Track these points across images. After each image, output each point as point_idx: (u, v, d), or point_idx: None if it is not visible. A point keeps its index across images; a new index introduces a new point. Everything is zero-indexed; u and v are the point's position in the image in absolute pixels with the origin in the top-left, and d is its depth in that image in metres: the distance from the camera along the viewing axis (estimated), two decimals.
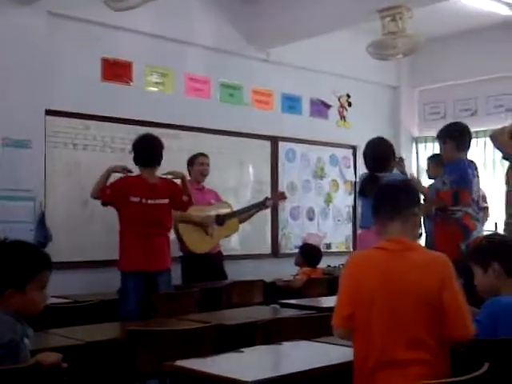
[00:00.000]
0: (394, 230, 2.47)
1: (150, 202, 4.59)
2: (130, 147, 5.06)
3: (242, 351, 2.71)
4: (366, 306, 2.34)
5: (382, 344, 2.31)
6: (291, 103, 7.03)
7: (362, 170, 7.42)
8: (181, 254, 5.50)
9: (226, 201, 5.91)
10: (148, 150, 4.73)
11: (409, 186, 2.68)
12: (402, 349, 2.30)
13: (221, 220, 5.62)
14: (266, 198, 6.03)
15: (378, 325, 2.33)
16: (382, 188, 2.81)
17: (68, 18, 5.31)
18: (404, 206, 2.49)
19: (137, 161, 4.76)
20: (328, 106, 7.39)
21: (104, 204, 4.73)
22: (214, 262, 5.57)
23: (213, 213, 5.60)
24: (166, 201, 4.70)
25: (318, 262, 5.72)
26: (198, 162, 5.66)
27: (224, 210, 5.72)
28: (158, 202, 4.64)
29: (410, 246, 2.46)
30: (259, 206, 6.02)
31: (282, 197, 6.25)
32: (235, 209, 5.88)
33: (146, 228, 4.57)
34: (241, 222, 5.94)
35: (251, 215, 6.03)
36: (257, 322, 3.27)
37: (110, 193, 4.66)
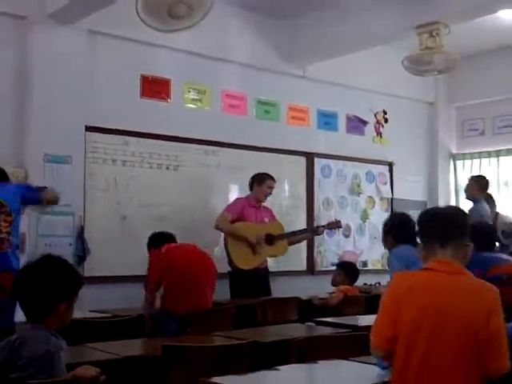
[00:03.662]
0: (443, 256, 2.37)
1: None
2: (167, 163, 5.11)
3: (278, 369, 2.70)
4: (408, 328, 2.27)
5: (420, 368, 2.26)
6: (327, 119, 7.03)
7: (398, 186, 7.44)
8: (229, 269, 5.56)
9: (279, 221, 5.92)
10: None
11: (463, 216, 2.54)
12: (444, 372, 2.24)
13: (271, 240, 5.65)
14: (318, 227, 6.11)
15: (419, 347, 2.27)
16: (434, 213, 2.63)
17: (107, 36, 5.43)
18: (458, 234, 2.40)
19: None
20: (364, 123, 7.37)
21: None
22: (261, 277, 5.62)
23: (264, 232, 5.62)
24: None
25: (356, 279, 5.68)
26: (267, 184, 5.70)
27: (275, 230, 5.72)
28: None
29: (458, 270, 2.36)
30: (311, 233, 6.11)
31: (337, 225, 6.23)
32: (287, 230, 5.89)
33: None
34: (290, 244, 5.93)
35: (302, 240, 6.12)
36: (292, 339, 3.25)
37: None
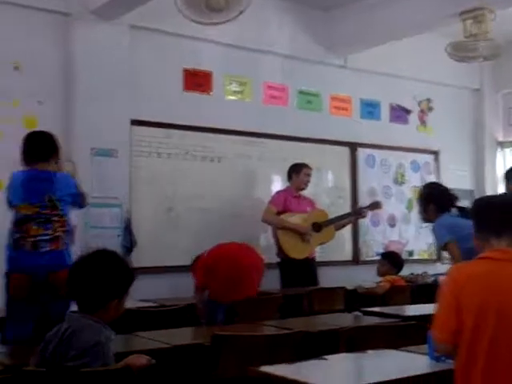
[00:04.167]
0: (499, 246, 2.31)
1: None
2: (211, 155, 5.15)
3: (326, 359, 2.69)
4: (472, 318, 2.20)
5: (487, 360, 2.17)
6: (370, 109, 6.97)
7: (444, 175, 7.32)
8: (278, 259, 5.62)
9: (322, 208, 5.99)
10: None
11: None
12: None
13: (318, 227, 5.71)
14: (361, 208, 6.16)
15: (485, 338, 2.19)
16: (489, 202, 2.57)
17: (150, 30, 5.48)
18: None
19: None
20: (408, 111, 7.27)
21: None
22: (310, 267, 5.70)
23: (310, 220, 5.70)
24: None
25: (401, 269, 5.64)
26: (304, 173, 5.79)
27: (321, 218, 5.79)
28: None
29: None
30: (355, 216, 6.14)
31: (378, 206, 6.23)
32: (331, 217, 5.91)
33: None
34: (337, 229, 5.99)
35: (347, 223, 6.13)
36: (340, 329, 3.25)
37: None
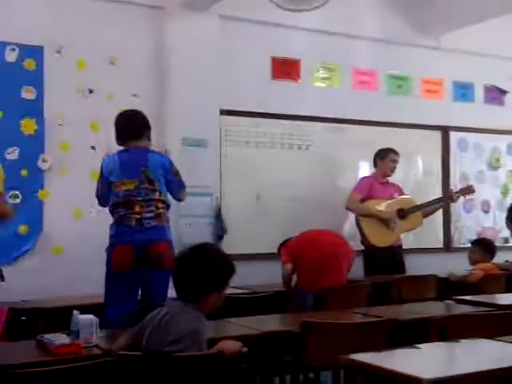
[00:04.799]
0: None
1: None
2: (299, 143, 5.16)
3: (418, 347, 2.66)
4: None
5: None
6: (463, 91, 6.75)
7: None
8: (362, 247, 5.57)
9: (408, 194, 5.86)
10: None
11: None
12: None
13: (403, 214, 5.60)
14: (452, 193, 5.94)
15: None
16: None
17: (238, 20, 5.54)
18: None
19: None
20: (504, 92, 6.98)
21: None
22: (395, 255, 5.59)
23: (395, 207, 5.59)
24: None
25: (494, 256, 5.45)
26: (390, 159, 5.69)
27: (407, 204, 5.67)
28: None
29: None
30: (445, 200, 5.95)
31: (470, 190, 5.99)
32: (418, 203, 5.78)
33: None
34: (425, 216, 5.84)
35: (436, 209, 5.96)
36: (432, 317, 3.20)
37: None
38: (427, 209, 5.81)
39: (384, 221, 5.50)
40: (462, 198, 6.15)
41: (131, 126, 3.92)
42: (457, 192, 5.94)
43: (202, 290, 2.53)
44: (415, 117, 6.40)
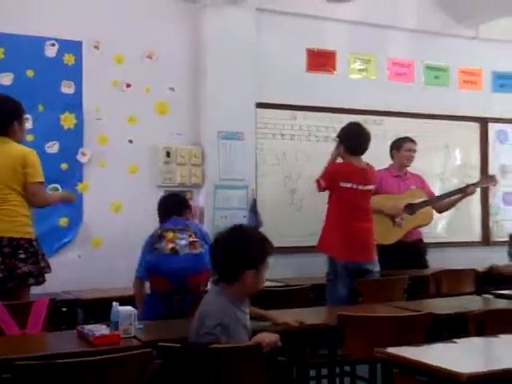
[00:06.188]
0: None
1: (360, 187, 4.54)
2: (333, 135, 5.12)
3: (456, 342, 2.64)
4: None
5: None
6: (503, 81, 6.62)
7: None
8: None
9: (420, 188, 5.51)
10: (358, 139, 4.67)
11: None
12: None
13: (411, 210, 5.30)
14: (468, 185, 5.49)
15: None
16: None
17: (274, 12, 5.53)
18: None
19: (347, 149, 4.63)
20: None
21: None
22: (408, 250, 5.28)
23: (403, 201, 5.28)
24: (372, 186, 4.66)
25: None
26: (405, 148, 5.47)
27: (417, 198, 5.36)
28: (367, 187, 4.60)
29: None
30: (460, 194, 5.48)
31: (492, 181, 5.66)
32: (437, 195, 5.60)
33: (357, 214, 4.50)
34: (441, 210, 5.58)
35: (453, 203, 5.55)
36: (470, 312, 3.16)
37: (327, 180, 4.57)
38: (441, 203, 5.50)
39: (390, 217, 5.20)
40: (500, 192, 5.97)
41: (171, 209, 3.96)
42: (473, 184, 5.51)
43: (238, 268, 2.58)
44: (453, 108, 6.31)
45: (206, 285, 3.55)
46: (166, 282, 3.56)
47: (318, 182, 4.63)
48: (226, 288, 2.61)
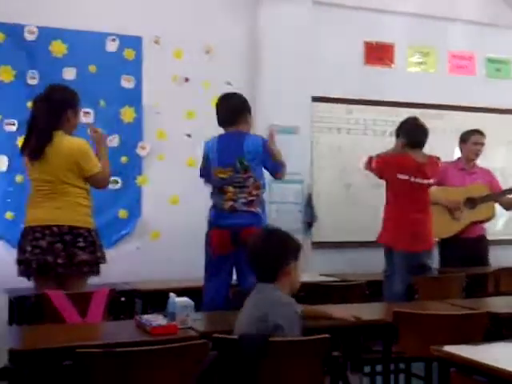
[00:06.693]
0: None
1: (417, 180, 4.50)
2: (391, 129, 5.07)
3: None
4: None
5: None
6: None
7: None
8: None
9: (486, 183, 5.38)
10: (417, 133, 4.65)
11: None
12: None
13: (472, 203, 5.20)
14: None
15: None
16: None
17: (331, 5, 5.50)
18: None
19: (406, 142, 4.61)
20: None
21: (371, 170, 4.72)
22: (469, 246, 5.18)
23: (464, 195, 5.19)
24: (432, 181, 4.61)
25: None
26: (472, 141, 5.34)
27: (479, 193, 5.24)
28: (425, 181, 4.56)
29: None
30: None
31: None
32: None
33: (413, 206, 4.48)
34: (509, 207, 5.44)
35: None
36: None
37: (381, 164, 4.62)
38: (504, 199, 5.34)
39: (449, 210, 5.14)
40: None
41: (224, 112, 4.04)
42: None
43: (277, 265, 2.63)
44: None
45: None
46: None
47: (369, 159, 4.68)
48: (274, 287, 2.64)
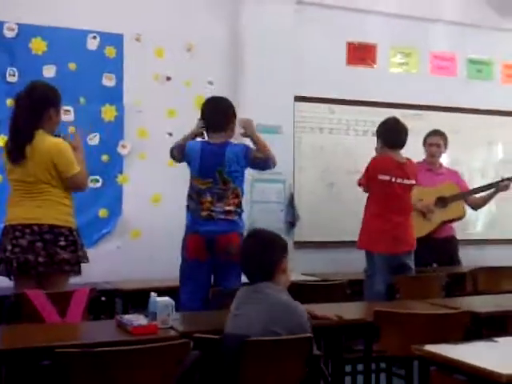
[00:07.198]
0: None
1: (399, 181, 4.53)
2: (373, 129, 5.08)
3: (496, 341, 2.60)
4: None
5: None
6: None
7: None
8: None
9: (451, 182, 5.39)
10: (396, 133, 4.65)
11: None
12: None
13: (443, 203, 5.22)
14: (502, 179, 5.29)
15: None
16: None
17: (314, 4, 5.50)
18: None
19: (385, 143, 4.64)
20: None
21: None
22: (439, 246, 5.20)
23: (434, 195, 5.22)
24: (413, 181, 4.62)
25: None
26: (428, 142, 5.40)
27: (449, 192, 5.27)
28: (406, 182, 4.57)
29: None
30: (494, 187, 5.30)
31: None
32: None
33: (395, 209, 4.48)
34: (476, 207, 5.46)
35: (487, 199, 5.40)
36: (511, 311, 3.11)
37: (365, 178, 4.60)
38: (476, 198, 5.37)
39: (419, 210, 5.11)
40: None
41: (215, 116, 4.02)
42: (508, 178, 5.27)
43: (273, 263, 2.65)
44: (496, 103, 6.18)
45: None
46: None
47: (359, 182, 4.66)
48: (274, 287, 2.65)
